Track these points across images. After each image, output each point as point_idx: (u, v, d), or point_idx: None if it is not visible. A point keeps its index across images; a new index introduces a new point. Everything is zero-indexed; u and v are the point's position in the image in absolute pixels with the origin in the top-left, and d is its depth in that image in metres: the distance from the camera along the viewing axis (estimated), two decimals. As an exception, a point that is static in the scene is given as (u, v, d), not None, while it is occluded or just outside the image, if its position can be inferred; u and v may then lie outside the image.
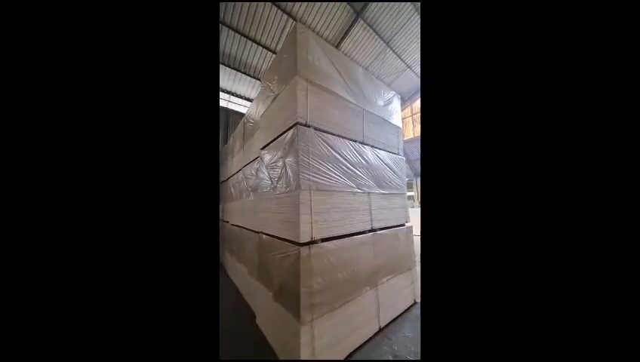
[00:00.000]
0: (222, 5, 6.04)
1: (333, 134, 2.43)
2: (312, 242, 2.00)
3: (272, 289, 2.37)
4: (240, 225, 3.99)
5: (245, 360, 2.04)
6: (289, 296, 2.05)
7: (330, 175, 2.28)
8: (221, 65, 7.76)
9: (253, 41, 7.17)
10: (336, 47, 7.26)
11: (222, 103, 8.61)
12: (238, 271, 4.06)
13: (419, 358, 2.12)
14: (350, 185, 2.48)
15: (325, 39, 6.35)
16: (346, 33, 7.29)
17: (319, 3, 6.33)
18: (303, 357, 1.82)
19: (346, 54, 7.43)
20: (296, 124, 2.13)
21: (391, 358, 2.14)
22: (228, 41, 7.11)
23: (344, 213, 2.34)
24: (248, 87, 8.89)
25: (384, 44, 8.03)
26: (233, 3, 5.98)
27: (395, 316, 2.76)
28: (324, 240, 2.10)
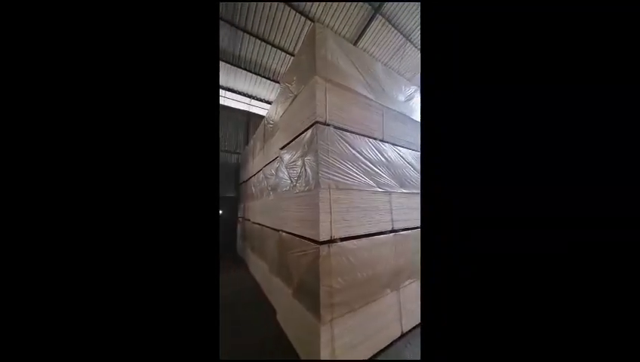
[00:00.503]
0: (241, 11, 6.30)
1: (353, 132, 2.40)
2: (332, 241, 1.99)
3: (292, 287, 2.40)
4: (261, 223, 4.13)
5: (246, 360, 2.07)
6: (309, 294, 2.06)
7: (349, 173, 2.25)
8: (241, 70, 8.09)
9: (272, 45, 7.36)
10: (355, 43, 7.15)
11: (243, 107, 8.99)
12: (259, 267, 4.20)
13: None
14: (370, 184, 2.42)
15: (343, 37, 6.29)
16: (364, 30, 7.13)
17: (337, 3, 6.29)
18: (323, 357, 1.81)
19: (364, 51, 7.27)
20: (316, 123, 2.14)
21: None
22: (249, 47, 7.40)
23: (364, 213, 2.30)
24: (268, 89, 9.16)
25: (404, 39, 7.69)
26: (253, 9, 6.20)
27: (419, 321, 2.62)
28: (343, 239, 2.07)
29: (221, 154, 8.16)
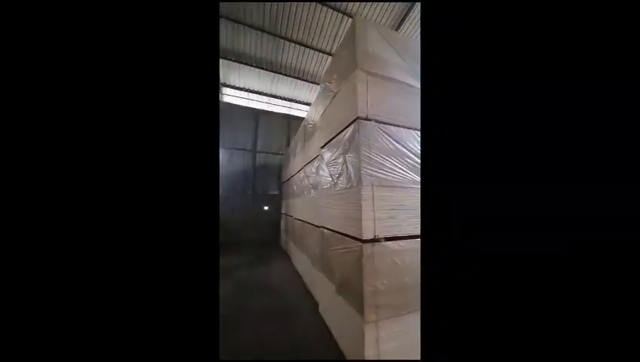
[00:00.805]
0: (282, 21, 6.63)
1: (397, 125, 2.25)
2: (375, 240, 1.91)
3: (335, 283, 2.41)
4: (302, 219, 4.29)
5: (246, 360, 2.15)
6: (352, 292, 2.03)
7: (394, 170, 2.12)
8: (281, 76, 8.58)
9: (310, 47, 7.55)
10: (397, 29, 6.64)
11: (283, 110, 9.55)
12: (301, 260, 4.39)
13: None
14: (418, 181, 2.20)
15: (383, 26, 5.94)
16: (406, 14, 6.56)
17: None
18: (367, 358, 1.75)
19: (408, 35, 6.68)
20: (357, 118, 2.09)
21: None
22: (289, 53, 7.78)
23: (411, 212, 2.14)
24: (307, 91, 9.46)
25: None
26: (293, 16, 6.47)
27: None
28: (388, 239, 1.96)
29: (265, 156, 8.88)
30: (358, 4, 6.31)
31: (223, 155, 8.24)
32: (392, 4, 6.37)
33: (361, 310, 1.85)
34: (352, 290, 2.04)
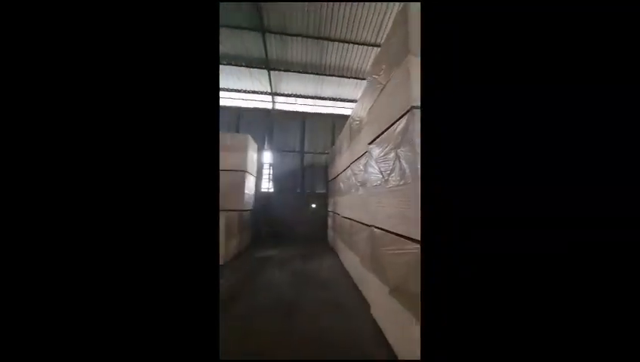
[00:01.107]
0: (321, 22, 6.68)
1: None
2: (438, 243, 1.67)
3: (388, 284, 2.26)
4: (350, 217, 4.25)
5: (246, 360, 2.10)
6: (409, 297, 1.85)
7: (459, 163, 1.80)
8: (326, 77, 8.67)
9: (353, 42, 7.35)
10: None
11: (327, 110, 9.63)
12: (349, 258, 4.35)
13: None
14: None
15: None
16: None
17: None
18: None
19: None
20: (411, 108, 1.90)
21: None
22: (333, 53, 7.82)
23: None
24: (351, 88, 9.30)
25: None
26: (336, 15, 6.45)
27: None
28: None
29: (312, 156, 9.21)
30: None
31: (275, 158, 8.97)
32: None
33: (420, 317, 1.67)
34: (410, 295, 1.86)
